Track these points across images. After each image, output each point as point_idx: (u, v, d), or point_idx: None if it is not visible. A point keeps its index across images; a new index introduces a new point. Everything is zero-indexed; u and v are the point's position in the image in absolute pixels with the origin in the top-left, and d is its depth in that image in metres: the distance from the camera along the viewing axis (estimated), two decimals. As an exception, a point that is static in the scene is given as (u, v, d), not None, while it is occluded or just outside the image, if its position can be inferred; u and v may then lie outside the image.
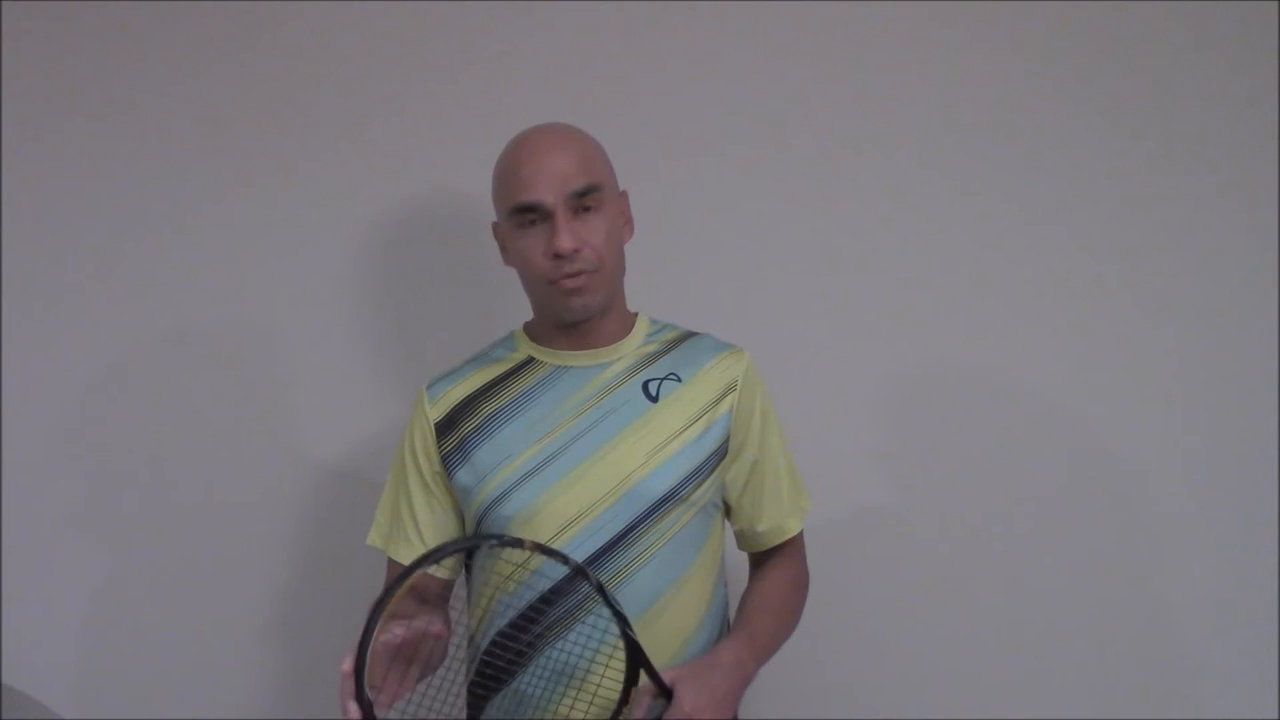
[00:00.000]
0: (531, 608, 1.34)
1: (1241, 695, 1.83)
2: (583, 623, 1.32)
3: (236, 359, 1.87)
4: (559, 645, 1.33)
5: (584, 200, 1.35)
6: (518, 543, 1.25)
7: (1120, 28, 1.85)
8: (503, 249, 1.44)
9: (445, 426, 1.42)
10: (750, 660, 1.34)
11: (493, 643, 1.36)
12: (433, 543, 1.43)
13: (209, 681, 1.88)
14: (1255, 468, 1.85)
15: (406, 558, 1.43)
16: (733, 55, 1.87)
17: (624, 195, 1.44)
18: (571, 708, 1.32)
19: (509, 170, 1.37)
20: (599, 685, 1.31)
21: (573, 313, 1.38)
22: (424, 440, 1.43)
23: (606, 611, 1.25)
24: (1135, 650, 1.85)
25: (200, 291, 1.87)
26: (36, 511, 1.86)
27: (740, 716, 1.50)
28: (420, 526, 1.43)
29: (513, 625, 1.35)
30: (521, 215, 1.35)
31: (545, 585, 1.32)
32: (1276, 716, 1.82)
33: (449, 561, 1.44)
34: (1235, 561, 1.85)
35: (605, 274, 1.37)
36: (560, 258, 1.34)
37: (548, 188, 1.33)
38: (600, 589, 1.25)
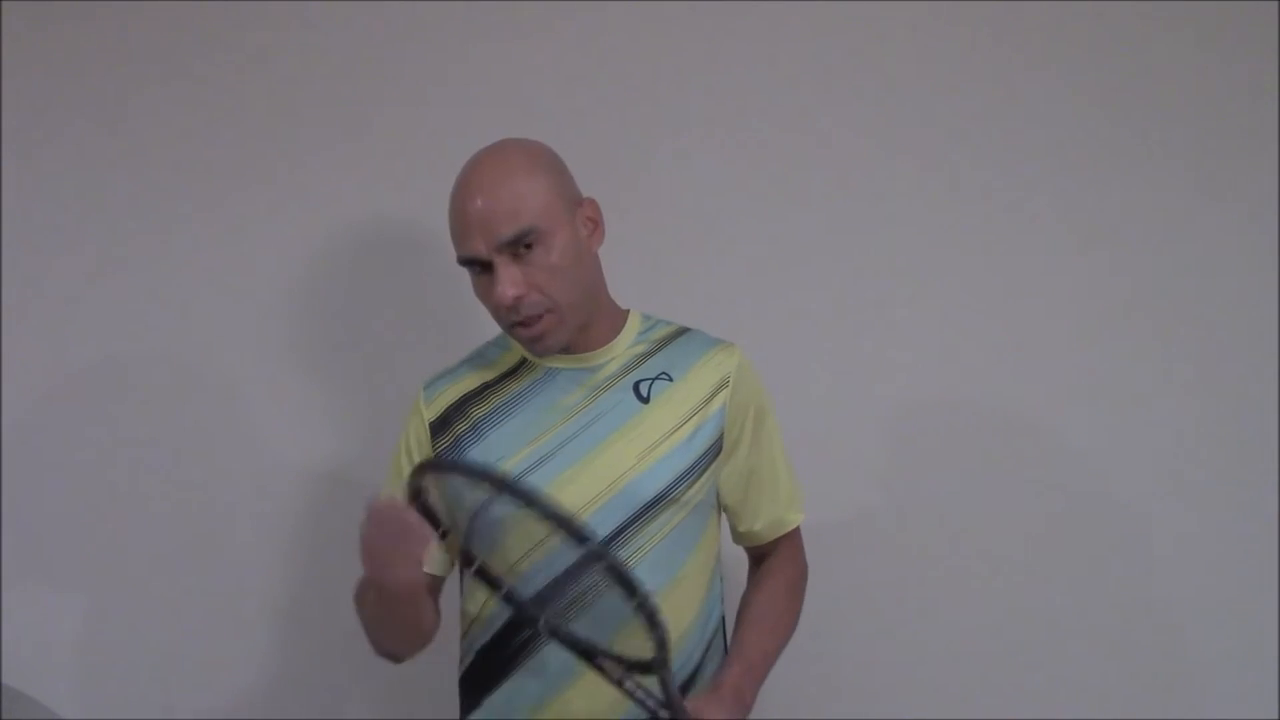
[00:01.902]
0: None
1: (1242, 696, 1.83)
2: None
3: (235, 362, 1.87)
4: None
5: (519, 244, 1.31)
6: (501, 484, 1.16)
7: (1121, 33, 1.85)
8: None
9: (439, 426, 1.42)
10: (748, 689, 1.33)
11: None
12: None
13: (209, 682, 1.88)
14: (1256, 471, 1.85)
15: None
16: (734, 54, 1.87)
17: (589, 202, 1.40)
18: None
19: (450, 216, 1.35)
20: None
21: (537, 354, 1.39)
22: (419, 439, 1.43)
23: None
24: (1136, 651, 1.85)
25: (198, 294, 1.87)
26: (37, 512, 1.86)
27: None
28: None
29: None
30: (467, 265, 1.35)
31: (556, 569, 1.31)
32: (1276, 717, 1.81)
33: (444, 559, 1.44)
34: (1235, 563, 1.84)
35: (561, 310, 1.34)
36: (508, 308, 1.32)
37: (480, 240, 1.30)
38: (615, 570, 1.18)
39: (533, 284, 1.32)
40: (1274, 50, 1.84)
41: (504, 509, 1.18)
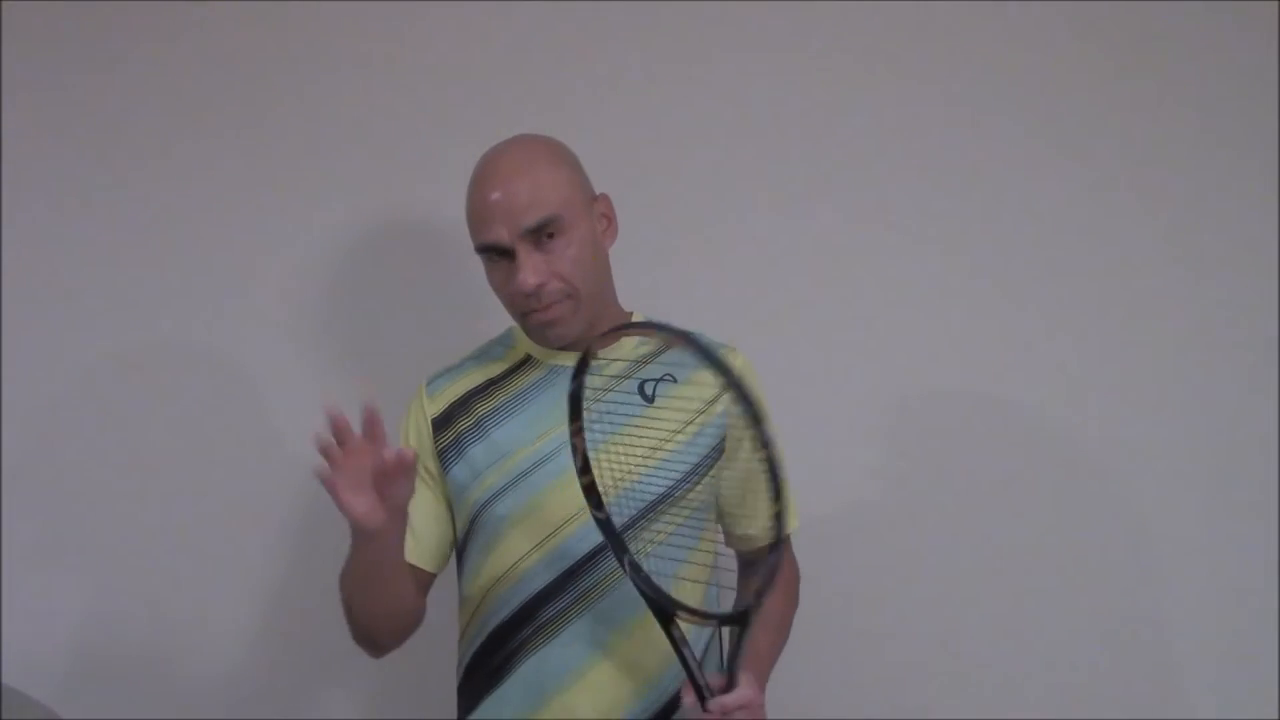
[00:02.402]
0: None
1: (1242, 696, 1.83)
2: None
3: (232, 362, 1.87)
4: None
5: (542, 232, 1.32)
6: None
7: (1122, 31, 1.85)
8: None
9: (442, 423, 1.42)
10: (760, 687, 1.33)
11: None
12: (417, 535, 1.42)
13: (208, 681, 1.88)
14: (1255, 470, 1.85)
15: None
16: (738, 54, 1.87)
17: (603, 198, 1.42)
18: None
19: (470, 205, 1.36)
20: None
21: (551, 343, 1.39)
22: (419, 435, 1.43)
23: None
24: (1135, 651, 1.85)
25: (195, 294, 1.87)
26: (37, 511, 1.86)
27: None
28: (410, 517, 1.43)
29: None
30: (487, 253, 1.35)
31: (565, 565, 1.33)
32: (1276, 717, 1.82)
33: (436, 555, 1.44)
34: (1235, 562, 1.84)
35: (579, 297, 1.36)
36: (527, 295, 1.33)
37: (503, 226, 1.31)
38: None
39: (553, 272, 1.33)
40: (1274, 50, 1.84)
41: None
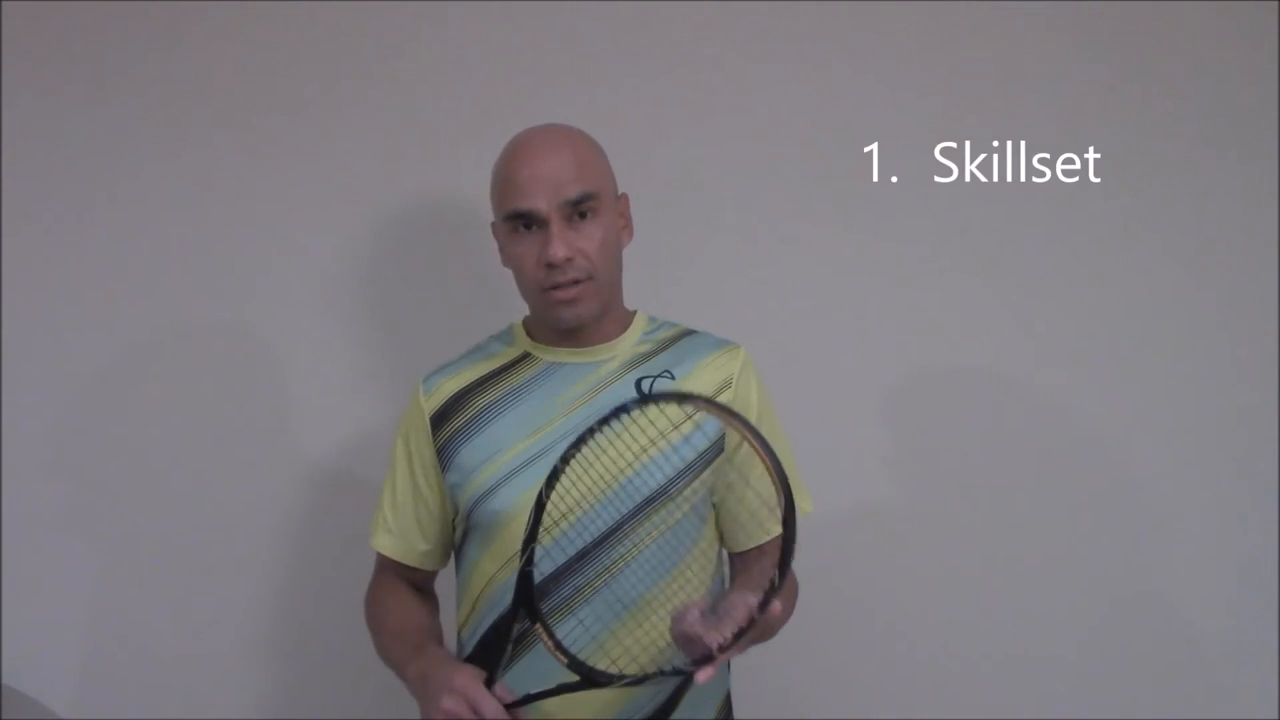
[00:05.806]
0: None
1: (1242, 695, 1.83)
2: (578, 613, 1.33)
3: (233, 360, 1.87)
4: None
5: (579, 208, 1.34)
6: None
7: (1120, 33, 1.86)
8: (501, 250, 1.44)
9: (439, 419, 1.42)
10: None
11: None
12: (401, 533, 1.43)
13: (208, 681, 1.88)
14: (1256, 468, 1.85)
15: (384, 546, 1.45)
16: (740, 54, 1.87)
17: (624, 198, 1.44)
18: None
19: (505, 175, 1.37)
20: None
21: (565, 322, 1.39)
22: (418, 432, 1.43)
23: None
24: (1137, 650, 1.85)
25: (196, 293, 1.87)
26: (36, 512, 1.86)
27: (739, 717, 1.50)
28: (399, 514, 1.45)
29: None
30: (516, 221, 1.35)
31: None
32: (1277, 717, 1.81)
33: (440, 555, 1.47)
34: (1236, 562, 1.85)
35: (598, 282, 1.37)
36: (553, 266, 1.33)
37: (542, 195, 1.33)
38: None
39: (580, 249, 1.34)
40: (1274, 50, 1.84)
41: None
